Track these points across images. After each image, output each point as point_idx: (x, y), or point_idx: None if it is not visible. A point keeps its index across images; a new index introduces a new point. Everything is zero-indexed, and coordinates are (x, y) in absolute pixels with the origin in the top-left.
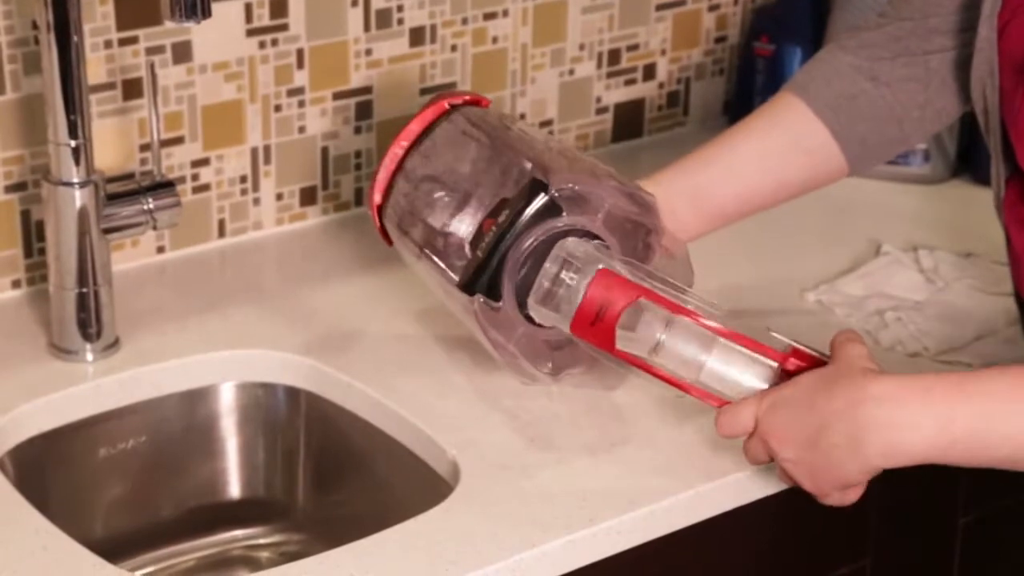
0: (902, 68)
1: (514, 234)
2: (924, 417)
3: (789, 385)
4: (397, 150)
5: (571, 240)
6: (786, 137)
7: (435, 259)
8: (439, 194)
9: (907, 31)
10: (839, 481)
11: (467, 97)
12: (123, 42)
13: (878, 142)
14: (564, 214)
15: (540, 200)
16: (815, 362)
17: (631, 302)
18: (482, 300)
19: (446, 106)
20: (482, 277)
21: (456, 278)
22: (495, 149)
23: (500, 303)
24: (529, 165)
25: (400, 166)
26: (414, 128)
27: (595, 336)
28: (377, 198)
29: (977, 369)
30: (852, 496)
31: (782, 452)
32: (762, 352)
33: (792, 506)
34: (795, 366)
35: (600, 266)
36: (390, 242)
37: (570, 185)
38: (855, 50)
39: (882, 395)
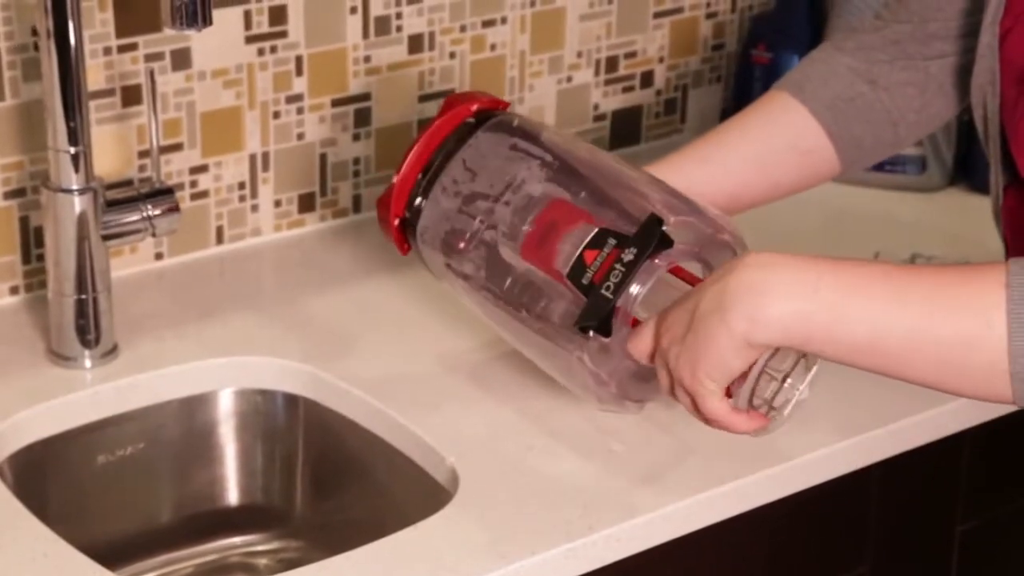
0: (900, 72)
1: (630, 269)
2: (790, 282)
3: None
4: (418, 159)
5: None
6: (783, 138)
7: (501, 285)
8: (504, 216)
9: (905, 35)
10: (714, 361)
11: (485, 100)
12: (122, 49)
13: (873, 144)
14: (675, 245)
15: (658, 235)
16: None
17: (575, 225)
18: (591, 336)
19: (467, 112)
20: (599, 317)
21: (509, 306)
22: (565, 171)
23: (609, 338)
24: (622, 194)
25: (424, 176)
26: (436, 136)
27: (539, 256)
28: (398, 209)
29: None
30: (731, 416)
31: (670, 349)
32: (684, 277)
33: (791, 513)
34: None
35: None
36: (406, 251)
37: (678, 219)
38: (852, 52)
39: (752, 261)
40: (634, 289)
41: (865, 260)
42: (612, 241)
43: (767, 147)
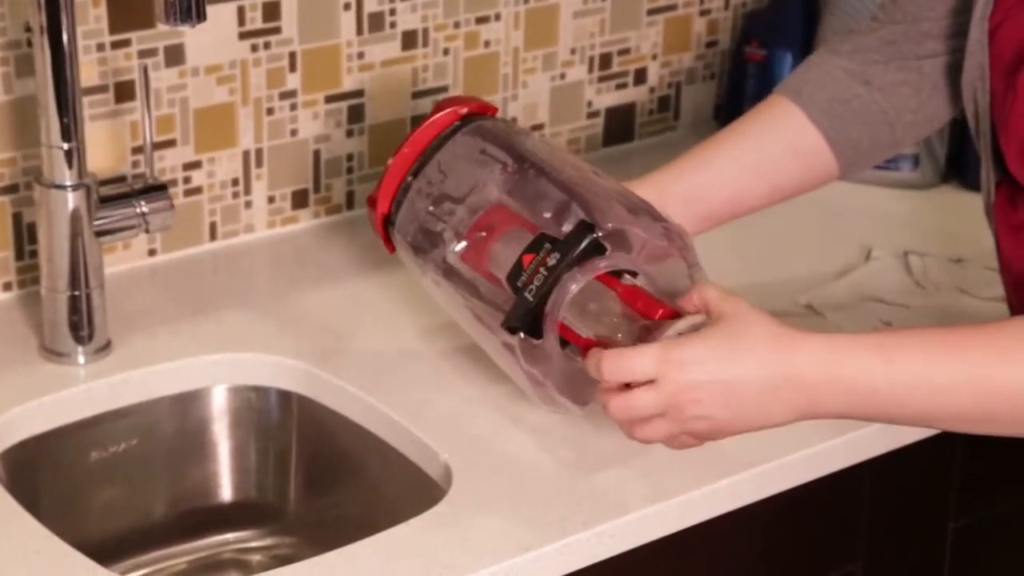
0: (895, 72)
1: (555, 273)
2: (845, 397)
3: (695, 343)
4: (404, 159)
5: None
6: (780, 142)
7: (457, 286)
8: (463, 218)
9: (900, 35)
10: (737, 432)
11: (475, 105)
12: (116, 45)
13: (870, 146)
14: (608, 252)
15: (587, 241)
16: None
17: (508, 230)
18: (522, 337)
19: (455, 115)
20: (529, 318)
21: (481, 306)
22: (524, 175)
23: (541, 340)
24: (567, 199)
25: (410, 176)
26: (423, 137)
27: (475, 260)
28: (383, 207)
29: (898, 331)
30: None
31: (694, 410)
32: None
33: (783, 511)
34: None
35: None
36: (392, 249)
37: (614, 226)
38: (848, 54)
39: (807, 371)
40: (561, 292)
41: (908, 339)
42: (548, 245)
43: (765, 151)
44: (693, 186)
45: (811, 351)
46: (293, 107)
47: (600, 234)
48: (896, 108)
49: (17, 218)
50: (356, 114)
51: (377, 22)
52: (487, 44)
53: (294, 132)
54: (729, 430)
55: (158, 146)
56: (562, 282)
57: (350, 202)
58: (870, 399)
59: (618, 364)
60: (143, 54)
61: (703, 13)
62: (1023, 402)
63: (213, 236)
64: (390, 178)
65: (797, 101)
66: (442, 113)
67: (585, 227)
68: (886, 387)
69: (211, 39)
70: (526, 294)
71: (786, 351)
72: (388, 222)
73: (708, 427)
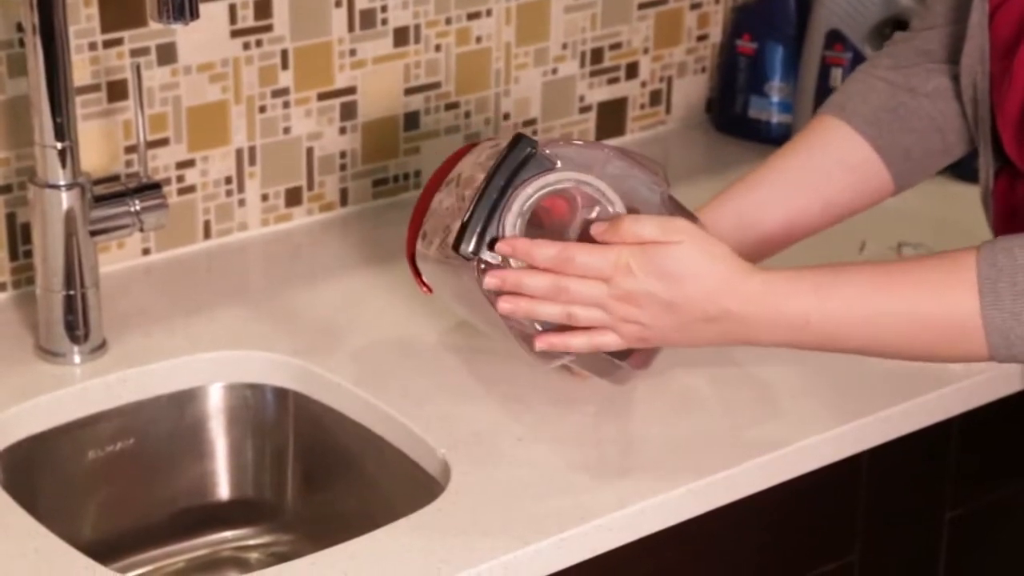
0: (938, 78)
1: (498, 188)
2: (779, 323)
3: (650, 258)
4: (423, 197)
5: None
6: (829, 156)
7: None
8: (460, 194)
9: (935, 41)
10: (666, 344)
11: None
12: (108, 44)
13: (922, 154)
14: (558, 166)
15: (524, 152)
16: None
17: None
18: (473, 256)
19: (467, 148)
20: (466, 233)
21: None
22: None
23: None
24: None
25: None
26: (439, 173)
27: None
28: (409, 250)
29: (838, 267)
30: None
31: (628, 312)
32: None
33: (780, 503)
34: None
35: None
36: (428, 288)
37: (558, 141)
38: (888, 67)
39: (743, 292)
40: (512, 203)
41: (846, 275)
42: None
43: (815, 167)
44: (744, 208)
45: (751, 289)
46: (286, 105)
47: (548, 151)
48: (944, 113)
49: (11, 218)
50: (349, 111)
51: (369, 19)
52: (479, 40)
53: (287, 130)
54: (657, 341)
55: (151, 145)
56: (510, 196)
57: (343, 199)
58: (803, 332)
59: (581, 258)
60: (135, 53)
61: (694, 7)
62: (951, 332)
63: (207, 235)
64: (412, 221)
65: (842, 116)
66: (464, 147)
67: (521, 140)
68: (819, 321)
69: (203, 37)
70: (464, 218)
71: (729, 288)
72: (415, 258)
73: (638, 332)
